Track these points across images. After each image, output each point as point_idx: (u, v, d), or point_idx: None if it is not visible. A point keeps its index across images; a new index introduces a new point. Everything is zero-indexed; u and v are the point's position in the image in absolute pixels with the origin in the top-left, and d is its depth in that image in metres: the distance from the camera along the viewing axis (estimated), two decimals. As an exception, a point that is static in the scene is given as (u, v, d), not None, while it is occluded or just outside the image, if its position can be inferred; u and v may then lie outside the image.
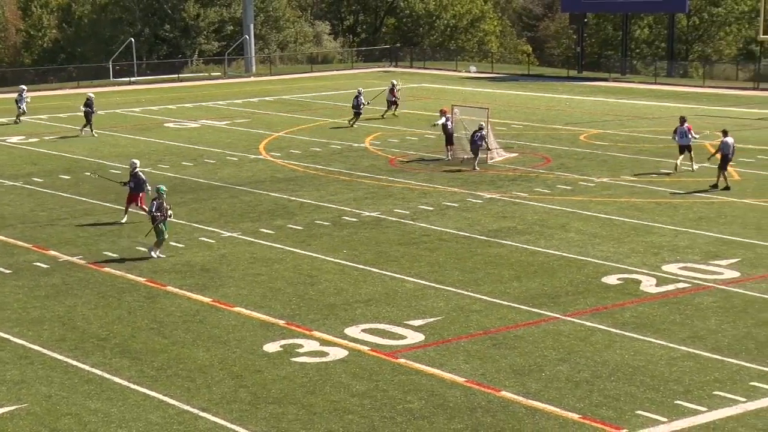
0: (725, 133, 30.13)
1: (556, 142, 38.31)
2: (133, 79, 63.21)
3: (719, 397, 14.92)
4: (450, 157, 34.24)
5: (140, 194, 25.68)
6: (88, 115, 40.51)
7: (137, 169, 25.82)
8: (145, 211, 25.06)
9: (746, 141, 37.47)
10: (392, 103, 45.34)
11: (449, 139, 34.43)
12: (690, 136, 31.80)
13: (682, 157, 32.01)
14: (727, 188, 29.07)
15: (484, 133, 33.09)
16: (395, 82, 46.54)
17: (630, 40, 69.06)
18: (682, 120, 32.21)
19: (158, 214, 22.30)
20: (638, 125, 42.33)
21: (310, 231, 25.30)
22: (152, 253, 22.46)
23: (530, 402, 14.94)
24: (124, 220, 25.82)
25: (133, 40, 67.69)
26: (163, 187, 22.80)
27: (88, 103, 40.62)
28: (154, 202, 22.43)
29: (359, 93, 43.72)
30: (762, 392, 15.05)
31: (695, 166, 31.98)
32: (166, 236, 22.61)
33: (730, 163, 29.91)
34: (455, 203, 28.23)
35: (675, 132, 32.32)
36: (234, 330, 18.12)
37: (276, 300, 19.76)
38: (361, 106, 43.01)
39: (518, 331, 17.91)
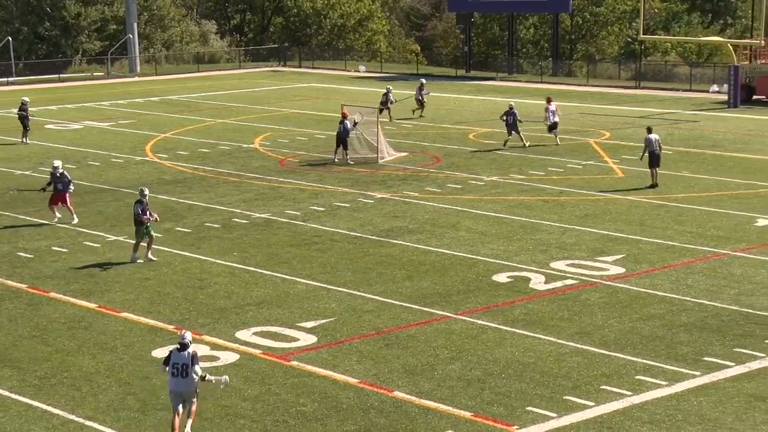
0: (649, 130, 30.68)
1: (445, 141, 38.72)
2: (11, 79, 61.32)
3: (606, 392, 15.32)
4: (337, 159, 34.21)
5: (66, 194, 25.66)
6: (23, 120, 38.52)
7: (62, 170, 25.86)
8: (72, 211, 25.45)
9: (629, 139, 38.55)
10: (421, 102, 44.39)
11: (343, 142, 34.17)
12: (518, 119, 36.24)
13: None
14: (653, 186, 29.68)
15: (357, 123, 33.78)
16: (424, 81, 45.73)
17: (516, 40, 70.28)
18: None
19: (145, 216, 22.14)
20: (526, 124, 43.07)
21: (199, 233, 24.99)
22: (137, 259, 22.22)
23: (423, 401, 15.06)
24: (55, 220, 25.61)
25: (10, 39, 65.65)
26: (146, 190, 22.76)
27: (23, 107, 38.81)
28: (139, 206, 22.18)
29: (388, 90, 43.66)
30: (647, 385, 15.51)
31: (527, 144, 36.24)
32: (153, 237, 22.51)
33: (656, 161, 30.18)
34: (346, 203, 28.26)
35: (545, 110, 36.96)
36: (121, 336, 17.77)
37: (164, 304, 19.45)
38: (390, 103, 42.66)
39: (410, 330, 18.03)
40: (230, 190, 30.21)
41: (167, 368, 13.81)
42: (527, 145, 36.17)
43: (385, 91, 44.84)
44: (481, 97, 53.78)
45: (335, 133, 34.72)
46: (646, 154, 30.20)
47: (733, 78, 47.06)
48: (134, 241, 22.47)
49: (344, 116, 34.33)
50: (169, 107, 49.89)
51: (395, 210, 27.46)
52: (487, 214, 26.77)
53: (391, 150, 35.46)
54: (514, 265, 22.03)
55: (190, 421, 13.81)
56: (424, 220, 26.29)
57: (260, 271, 21.67)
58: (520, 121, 36.91)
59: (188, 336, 13.90)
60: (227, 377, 14.08)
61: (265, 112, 47.73)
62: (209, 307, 19.34)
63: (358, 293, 20.13)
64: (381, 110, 42.02)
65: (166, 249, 23.52)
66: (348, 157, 34.19)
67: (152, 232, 22.51)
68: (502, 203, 28.13)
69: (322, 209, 27.61)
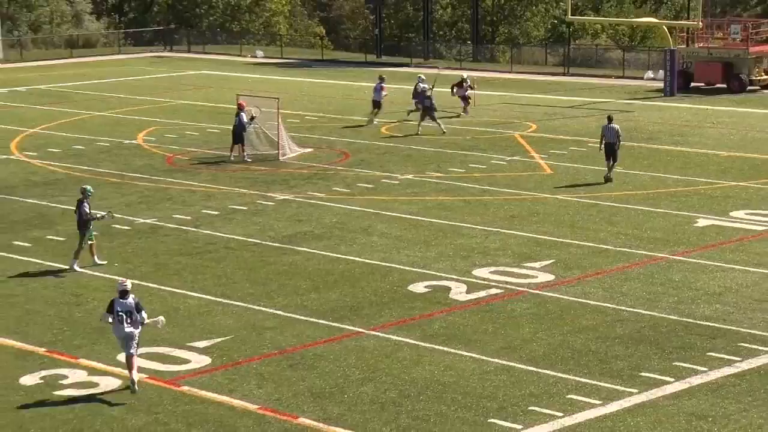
0: (609, 119, 30.97)
1: (355, 135, 38.79)
2: None
3: (535, 413, 15.51)
4: (233, 157, 33.98)
5: None
6: None
7: None
8: None
9: (557, 131, 39.17)
10: (465, 98, 42.15)
11: (240, 137, 33.91)
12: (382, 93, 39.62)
13: (376, 111, 39.50)
14: (608, 180, 30.13)
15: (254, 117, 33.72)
16: (465, 76, 43.32)
17: (432, 22, 70.81)
18: (381, 77, 40.41)
19: (100, 214, 22.54)
20: (442, 115, 43.38)
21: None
22: (76, 266, 22.40)
23: (331, 428, 15.05)
24: None
25: None
26: (90, 188, 22.91)
27: None
28: (86, 206, 22.29)
29: (420, 80, 40.69)
30: (579, 405, 15.75)
31: (375, 120, 39.34)
32: (94, 241, 22.73)
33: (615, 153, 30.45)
34: (243, 206, 28.09)
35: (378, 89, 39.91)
36: (-16, 362, 17.37)
37: (34, 324, 19.08)
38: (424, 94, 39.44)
39: (317, 348, 18.00)
40: (110, 193, 29.78)
41: (110, 317, 16.22)
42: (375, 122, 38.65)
43: (459, 80, 42.36)
44: (395, 85, 53.99)
45: (231, 128, 34.50)
46: (603, 146, 30.48)
47: (669, 63, 48.12)
48: (76, 248, 22.57)
49: (240, 108, 34.13)
50: (38, 98, 48.96)
51: (299, 213, 27.39)
52: (402, 217, 26.88)
53: (294, 146, 35.39)
54: (433, 273, 22.17)
55: (134, 373, 16.15)
56: (331, 224, 26.28)
57: (146, 284, 21.41)
58: (435, 110, 37.91)
59: (128, 283, 16.52)
60: (163, 318, 16.75)
61: (149, 104, 47.18)
62: (87, 326, 19.03)
63: (258, 308, 20.02)
64: (465, 101, 41.52)
65: (36, 260, 23.10)
66: (245, 154, 34.00)
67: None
68: (419, 204, 28.28)
69: (216, 213, 27.39)
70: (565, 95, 49.55)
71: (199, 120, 42.25)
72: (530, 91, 51.54)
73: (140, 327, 16.32)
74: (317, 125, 40.95)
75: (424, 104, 38.01)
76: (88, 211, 22.39)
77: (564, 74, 57.71)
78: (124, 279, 16.71)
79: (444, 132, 37.18)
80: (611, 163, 30.45)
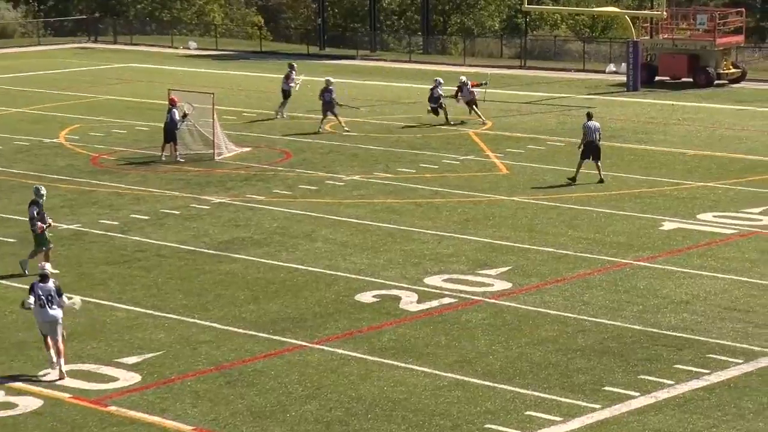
0: (589, 116, 31.14)
1: (297, 132, 38.74)
2: None
3: (491, 431, 15.58)
4: (165, 156, 33.79)
5: None
6: None
7: None
8: None
9: (514, 129, 39.41)
10: (472, 104, 39.88)
11: (172, 136, 33.65)
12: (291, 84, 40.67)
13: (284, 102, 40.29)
14: (600, 181, 30.25)
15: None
16: (464, 79, 40.16)
17: (379, 11, 70.94)
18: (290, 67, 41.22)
19: (39, 224, 22.56)
20: (392, 111, 43.54)
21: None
22: (26, 269, 22.50)
23: (274, 450, 15.02)
24: None
25: None
26: (43, 189, 23.21)
27: None
28: (35, 207, 22.60)
29: (438, 84, 40.04)
30: (538, 422, 15.86)
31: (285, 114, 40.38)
32: (52, 245, 22.90)
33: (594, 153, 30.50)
34: (176, 210, 27.96)
35: (287, 80, 40.81)
36: None
37: (-53, 341, 18.83)
38: (440, 99, 39.39)
39: (257, 364, 17.96)
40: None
41: (31, 299, 17.04)
42: (346, 128, 38.30)
43: (440, 91, 40.03)
44: (340, 79, 54.01)
45: (162, 125, 34.30)
46: (583, 145, 30.53)
47: (632, 56, 48.59)
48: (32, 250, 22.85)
49: (172, 104, 33.95)
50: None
51: (236, 217, 27.32)
52: (347, 221, 26.90)
53: (230, 144, 35.30)
54: (381, 281, 22.21)
55: (62, 360, 17.10)
56: (272, 229, 26.23)
57: (68, 295, 21.21)
58: (339, 104, 38.64)
59: (48, 267, 17.57)
60: (79, 299, 17.83)
61: (72, 99, 46.79)
62: (4, 341, 18.85)
63: (192, 320, 19.95)
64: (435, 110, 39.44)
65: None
66: (177, 153, 33.83)
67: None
68: (366, 207, 28.32)
69: (146, 218, 27.24)
70: (522, 90, 49.90)
71: (126, 117, 41.98)
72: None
73: (62, 310, 17.22)
74: (256, 122, 40.85)
75: (325, 99, 38.44)
76: (34, 215, 22.73)
77: (521, 67, 58.08)
78: (44, 263, 17.38)
79: (344, 127, 38.30)
80: (597, 162, 30.48)
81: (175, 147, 33.79)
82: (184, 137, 34.53)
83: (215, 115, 34.56)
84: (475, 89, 40.16)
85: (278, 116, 40.53)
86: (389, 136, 37.76)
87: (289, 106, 41.57)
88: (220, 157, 34.30)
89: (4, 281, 22.24)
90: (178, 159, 33.72)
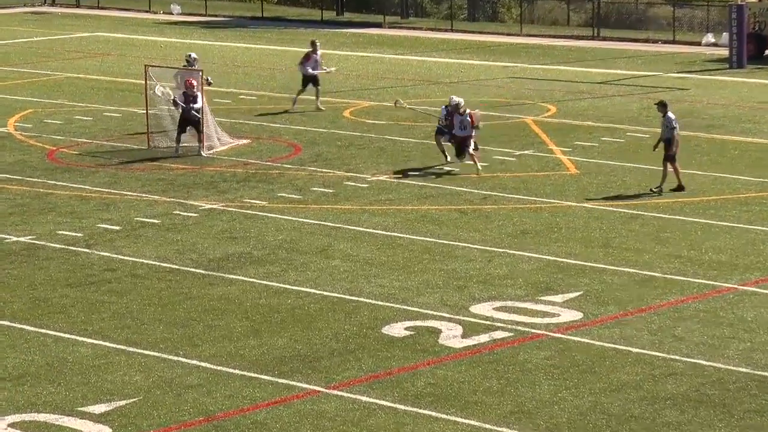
0: (664, 106, 30.02)
1: (308, 120, 38.76)
2: None
3: (559, 500, 15.52)
4: (181, 150, 33.82)
5: None
6: None
7: None
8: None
9: (583, 116, 39.30)
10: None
11: (194, 123, 33.50)
12: (323, 68, 39.84)
13: (303, 90, 39.53)
14: (679, 188, 29.83)
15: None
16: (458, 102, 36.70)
17: (413, -34, 70.99)
18: (314, 46, 40.20)
19: None
20: (428, 93, 43.50)
21: None
22: None
23: None
24: None
25: None
26: None
27: None
28: None
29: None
30: (619, 489, 15.75)
31: (321, 105, 39.44)
32: None
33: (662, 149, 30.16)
34: (155, 218, 28.02)
35: (306, 60, 39.72)
36: None
37: None
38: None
39: (258, 414, 17.95)
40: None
41: None
42: (321, 107, 39.49)
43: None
44: (361, 53, 54.19)
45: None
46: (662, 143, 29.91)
47: (735, 24, 48.35)
48: None
49: (191, 86, 33.49)
50: None
51: (232, 228, 27.34)
52: (372, 233, 26.88)
53: (224, 135, 35.34)
54: (416, 310, 22.15)
55: None
56: (276, 242, 26.24)
57: (19, 326, 21.34)
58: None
59: None
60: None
61: (22, 77, 46.97)
62: (-61, 384, 18.90)
63: (176, 358, 19.94)
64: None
65: None
66: (202, 145, 33.67)
67: None
68: (396, 215, 28.29)
69: (117, 228, 27.30)
70: (595, 66, 49.77)
71: (92, 100, 42.09)
72: (547, 60, 51.75)
73: None
74: (255, 108, 40.88)
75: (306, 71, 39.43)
76: None
77: (593, 38, 57.98)
78: None
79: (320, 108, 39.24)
80: (676, 165, 29.73)
81: (200, 138, 33.66)
82: (163, 124, 34.59)
83: (204, 99, 34.59)
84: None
85: (294, 106, 39.94)
86: (425, 126, 37.69)
87: (303, 93, 40.43)
88: (210, 152, 34.34)
89: (-62, 308, 22.35)
90: (202, 153, 33.68)
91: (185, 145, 34.10)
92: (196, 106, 33.47)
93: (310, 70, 39.57)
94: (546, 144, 35.44)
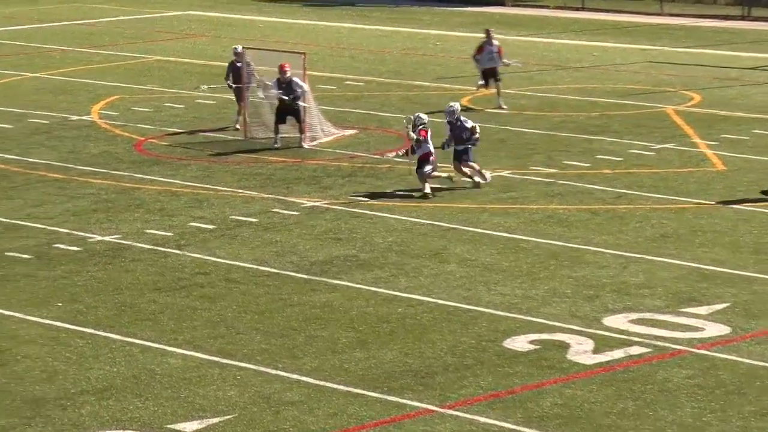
0: None
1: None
2: None
3: None
4: (279, 142, 34.01)
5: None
6: None
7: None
8: None
9: (732, 105, 38.90)
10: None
11: (294, 113, 33.72)
12: (502, 60, 38.80)
13: (483, 83, 38.81)
14: None
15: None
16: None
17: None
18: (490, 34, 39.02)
19: None
20: (557, 79, 43.33)
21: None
22: None
23: None
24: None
25: None
26: None
27: None
28: None
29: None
30: None
31: (503, 103, 38.32)
32: None
33: None
34: (252, 217, 28.19)
35: (480, 51, 38.75)
36: None
37: (-62, 394, 19.27)
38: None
39: (365, 435, 18.03)
40: (50, 195, 30.00)
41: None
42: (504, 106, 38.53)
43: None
44: (480, 35, 54.00)
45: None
46: None
47: None
48: None
49: (284, 71, 33.64)
50: (-57, 51, 49.54)
51: (336, 228, 27.43)
52: (493, 235, 26.84)
53: (328, 125, 35.45)
54: (541, 321, 22.08)
55: None
56: (385, 245, 26.28)
57: (103, 334, 21.55)
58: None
59: None
60: None
61: (108, 61, 47.49)
62: (14, 397, 19.15)
63: (275, 372, 20.03)
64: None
65: (-60, 297, 23.35)
66: (305, 136, 33.92)
67: None
68: (519, 216, 28.22)
69: (210, 227, 27.50)
70: (746, 50, 49.26)
71: (184, 85, 42.41)
72: (690, 43, 51.29)
73: None
74: (363, 95, 40.96)
75: (486, 65, 38.75)
76: None
77: (743, 18, 57.35)
78: None
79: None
80: None
81: (302, 128, 33.82)
82: (261, 114, 34.77)
83: (307, 85, 34.73)
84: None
85: (478, 90, 39.49)
86: (552, 115, 37.57)
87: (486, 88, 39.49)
88: (313, 143, 34.47)
89: (15, 314, 22.57)
90: (304, 145, 33.85)
91: (285, 136, 34.29)
92: (296, 93, 33.59)
93: (486, 63, 38.90)
94: (689, 137, 35.15)
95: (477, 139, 30.40)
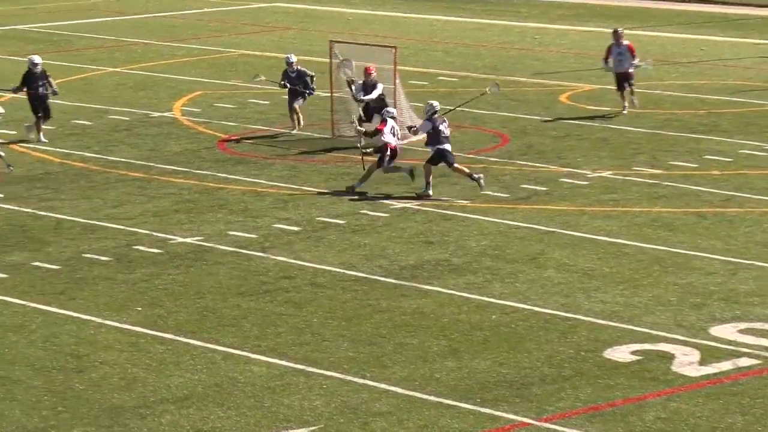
0: None
1: (518, 107, 38.69)
2: None
3: None
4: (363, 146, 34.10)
5: None
6: None
7: None
8: None
9: None
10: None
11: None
12: (632, 62, 36.80)
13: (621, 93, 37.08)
14: None
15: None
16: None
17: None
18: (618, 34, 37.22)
19: None
20: (662, 75, 43.06)
21: (73, 273, 24.99)
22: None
23: None
24: None
25: None
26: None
27: None
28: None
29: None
30: None
31: (636, 102, 37.09)
32: None
33: None
34: (340, 219, 28.24)
35: (608, 54, 37.08)
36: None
37: (12, 401, 19.41)
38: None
39: (457, 449, 18.00)
40: (130, 195, 30.21)
41: None
42: (635, 103, 37.29)
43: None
44: (581, 27, 53.89)
45: (330, 95, 34.61)
46: None
47: None
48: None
49: (369, 73, 33.64)
50: (18, 44, 49.94)
51: (427, 231, 27.42)
52: (593, 239, 26.75)
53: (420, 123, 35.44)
54: (645, 331, 21.95)
55: None
56: (479, 248, 26.25)
57: (184, 340, 21.69)
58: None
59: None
60: None
61: (191, 55, 47.76)
62: (91, 405, 19.29)
63: (362, 381, 20.04)
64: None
65: (14, 300, 23.54)
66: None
67: None
68: (622, 218, 28.10)
69: (296, 229, 27.58)
70: None
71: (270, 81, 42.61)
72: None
73: None
74: (457, 91, 40.94)
75: (618, 69, 37.07)
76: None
77: None
78: None
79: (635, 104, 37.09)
80: None
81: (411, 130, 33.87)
82: (349, 112, 34.79)
83: (398, 80, 34.75)
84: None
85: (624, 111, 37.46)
86: (657, 113, 37.35)
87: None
88: (403, 142, 34.47)
89: (93, 318, 22.72)
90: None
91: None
92: (372, 96, 33.49)
93: (617, 67, 37.07)
94: None
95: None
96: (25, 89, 35.21)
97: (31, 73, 35.09)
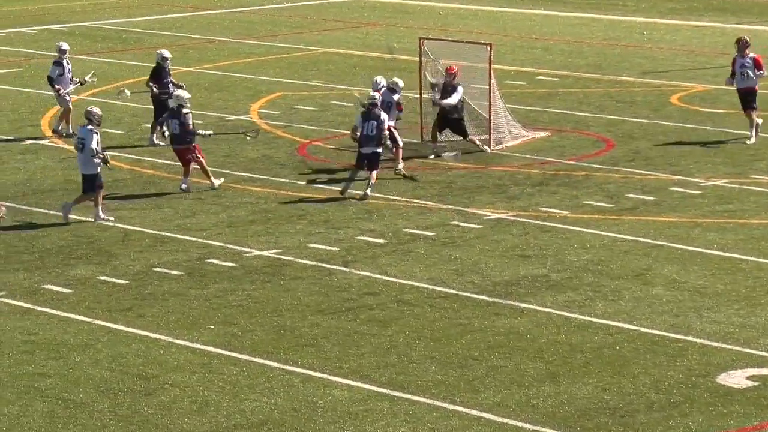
0: None
1: (623, 108, 38.57)
2: None
3: None
4: (435, 151, 34.09)
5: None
6: None
7: None
8: None
9: None
10: None
11: (455, 125, 33.78)
12: (755, 73, 34.55)
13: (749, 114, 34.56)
14: None
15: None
16: None
17: None
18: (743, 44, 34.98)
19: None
20: None
21: (142, 288, 25.16)
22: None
23: None
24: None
25: None
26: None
27: None
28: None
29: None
30: None
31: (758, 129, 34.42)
32: None
33: None
34: (428, 230, 28.28)
35: (733, 67, 34.94)
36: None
37: (76, 426, 19.59)
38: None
39: (555, 481, 18.00)
40: (204, 204, 30.37)
41: None
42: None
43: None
44: (696, 21, 53.67)
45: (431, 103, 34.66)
46: None
47: None
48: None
49: (451, 74, 33.66)
50: (86, 43, 50.32)
51: (523, 244, 27.42)
52: (706, 254, 26.68)
53: (517, 127, 35.46)
54: (762, 354, 21.85)
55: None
56: (581, 263, 26.23)
57: (260, 361, 21.79)
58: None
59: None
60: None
61: (269, 53, 47.94)
62: (166, 429, 19.41)
63: (452, 407, 20.05)
64: None
65: (80, 318, 23.71)
66: (492, 139, 34.12)
67: None
68: (738, 231, 27.98)
69: (381, 242, 27.65)
70: None
71: (353, 81, 42.65)
72: None
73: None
74: (557, 92, 40.89)
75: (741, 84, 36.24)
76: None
77: None
78: None
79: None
80: None
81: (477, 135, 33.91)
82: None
83: (493, 81, 34.75)
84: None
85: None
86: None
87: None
88: (498, 147, 34.49)
89: (163, 337, 22.86)
90: (488, 149, 34.09)
91: (454, 140, 34.30)
92: (450, 101, 33.44)
93: (740, 83, 34.85)
94: None
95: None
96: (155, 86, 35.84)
97: (160, 68, 35.89)
